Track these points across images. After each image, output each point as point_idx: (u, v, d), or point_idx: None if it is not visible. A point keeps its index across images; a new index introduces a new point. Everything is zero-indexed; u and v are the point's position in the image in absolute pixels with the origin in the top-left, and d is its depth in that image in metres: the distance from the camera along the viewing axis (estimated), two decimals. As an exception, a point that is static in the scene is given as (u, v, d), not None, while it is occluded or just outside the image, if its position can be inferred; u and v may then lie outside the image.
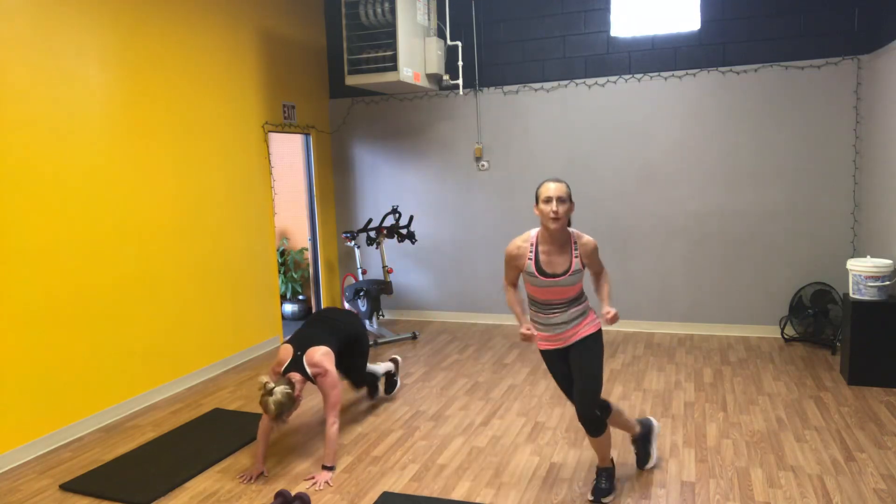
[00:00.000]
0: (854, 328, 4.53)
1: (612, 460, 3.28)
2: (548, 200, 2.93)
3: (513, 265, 3.11)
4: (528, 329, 3.01)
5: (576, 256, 3.02)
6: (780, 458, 3.52)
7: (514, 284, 3.21)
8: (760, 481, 3.30)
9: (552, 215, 2.92)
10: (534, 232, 3.09)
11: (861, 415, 4.05)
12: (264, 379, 3.35)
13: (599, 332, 3.13)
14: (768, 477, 3.34)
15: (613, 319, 2.94)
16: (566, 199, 2.95)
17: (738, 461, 3.52)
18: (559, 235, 3.01)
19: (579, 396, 3.05)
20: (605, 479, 3.21)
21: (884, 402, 4.25)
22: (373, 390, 4.58)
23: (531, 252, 3.04)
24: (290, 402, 3.36)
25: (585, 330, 3.10)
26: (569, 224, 3.11)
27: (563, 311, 3.08)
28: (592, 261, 3.09)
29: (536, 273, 3.02)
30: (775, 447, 3.66)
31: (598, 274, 3.19)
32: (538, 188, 2.99)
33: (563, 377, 3.18)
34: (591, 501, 3.16)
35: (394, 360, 4.65)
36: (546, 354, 3.20)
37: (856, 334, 4.53)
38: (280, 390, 3.31)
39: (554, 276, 3.01)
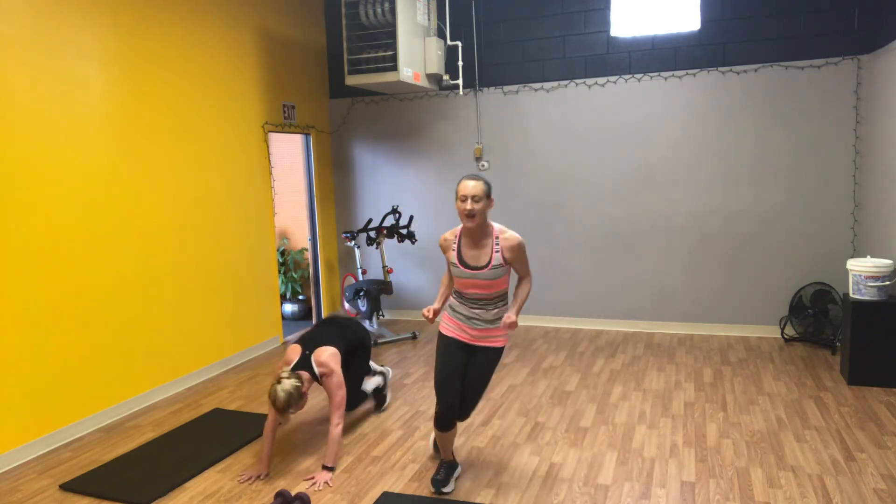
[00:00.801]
0: (854, 328, 4.53)
1: (452, 454, 3.45)
2: (463, 199, 3.06)
3: (445, 255, 3.29)
4: (429, 311, 3.09)
5: (496, 251, 3.13)
6: (780, 458, 3.52)
7: (451, 275, 3.35)
8: (760, 481, 3.30)
9: (466, 213, 3.06)
10: (461, 226, 3.22)
11: (861, 415, 4.05)
12: (284, 371, 3.41)
13: (503, 349, 3.30)
14: (768, 477, 3.34)
15: (511, 326, 3.03)
16: (482, 198, 3.06)
17: (738, 461, 3.52)
18: (478, 230, 3.14)
19: (466, 398, 3.25)
20: (443, 471, 3.36)
21: (884, 402, 4.25)
22: (379, 402, 4.47)
23: (455, 244, 3.20)
24: (299, 395, 3.37)
25: (495, 341, 3.27)
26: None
27: (487, 309, 3.21)
28: (516, 258, 3.17)
29: (458, 264, 3.18)
30: (775, 447, 3.66)
31: (521, 278, 3.27)
32: (457, 185, 3.11)
33: (454, 366, 3.22)
34: (433, 493, 3.30)
35: (382, 374, 4.47)
36: (447, 339, 3.28)
37: (856, 334, 4.53)
38: (290, 382, 3.35)
39: (475, 268, 3.14)
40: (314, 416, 4.38)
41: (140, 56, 4.63)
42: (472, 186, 3.05)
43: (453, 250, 3.20)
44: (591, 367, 5.18)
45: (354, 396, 4.14)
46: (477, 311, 3.22)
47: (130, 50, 4.56)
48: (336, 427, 3.51)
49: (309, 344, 3.66)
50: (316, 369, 3.56)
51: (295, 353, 3.63)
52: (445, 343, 3.28)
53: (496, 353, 3.29)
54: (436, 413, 3.24)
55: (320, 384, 3.60)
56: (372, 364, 4.38)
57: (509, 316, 3.05)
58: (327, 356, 3.58)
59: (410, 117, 6.75)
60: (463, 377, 3.25)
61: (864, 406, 4.19)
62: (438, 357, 3.27)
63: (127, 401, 4.54)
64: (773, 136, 5.63)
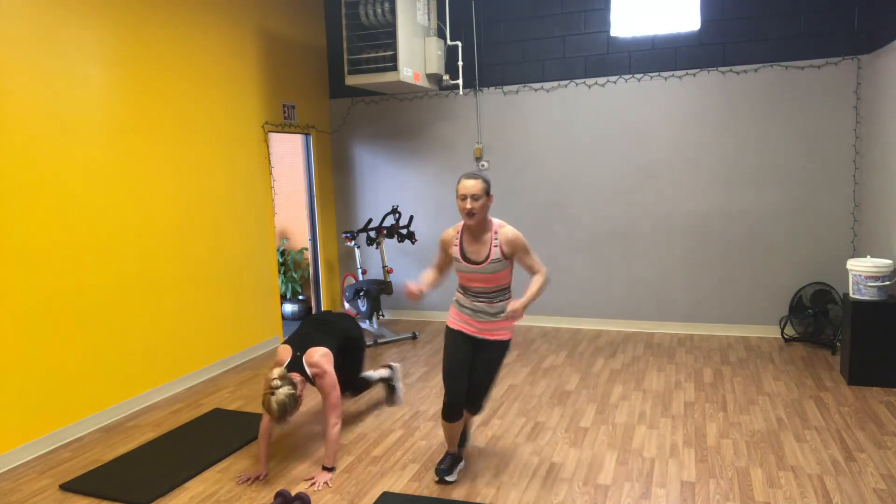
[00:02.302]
0: (854, 328, 4.53)
1: (458, 447, 3.53)
2: (462, 198, 3.15)
3: (444, 249, 3.36)
4: (416, 286, 3.19)
5: (495, 246, 3.21)
6: (780, 458, 3.52)
7: (438, 268, 3.44)
8: (760, 481, 3.30)
9: (466, 211, 3.15)
10: (462, 222, 3.32)
11: (861, 415, 4.05)
12: (275, 373, 3.31)
13: (509, 341, 3.37)
14: (768, 477, 3.34)
15: (513, 312, 3.06)
16: (480, 196, 3.14)
17: (738, 461, 3.52)
18: (478, 227, 3.23)
19: (473, 392, 3.35)
20: (448, 462, 3.45)
21: (884, 402, 4.25)
22: (389, 396, 4.47)
23: (457, 240, 3.30)
24: (294, 402, 3.32)
25: (500, 334, 3.33)
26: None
27: (490, 302, 3.29)
28: (515, 251, 3.22)
29: (461, 259, 3.27)
30: (775, 447, 3.66)
31: (532, 274, 3.28)
32: (458, 182, 3.19)
33: (461, 359, 3.30)
34: (436, 481, 3.39)
35: (389, 367, 4.47)
36: (453, 332, 3.36)
37: (856, 334, 4.53)
38: (284, 392, 3.28)
39: (475, 262, 3.23)
40: (313, 418, 4.38)
41: (140, 56, 4.63)
42: (470, 185, 3.14)
43: (455, 245, 3.29)
44: (591, 367, 5.18)
45: (355, 383, 4.14)
46: (480, 304, 3.30)
47: (130, 50, 4.56)
48: (333, 427, 3.50)
49: (300, 344, 3.61)
50: (308, 370, 3.52)
51: (286, 353, 3.57)
52: (452, 336, 3.36)
53: (502, 346, 3.35)
54: (443, 404, 3.32)
55: (314, 385, 3.57)
56: (371, 375, 4.32)
57: (512, 304, 3.08)
58: (319, 357, 3.53)
59: (410, 117, 6.75)
60: (469, 369, 3.33)
61: (864, 406, 4.19)
62: (446, 350, 3.36)
63: (127, 401, 4.54)
64: (773, 136, 5.64)
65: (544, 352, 5.63)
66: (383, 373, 4.38)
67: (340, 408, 3.54)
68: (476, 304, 3.30)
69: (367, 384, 4.25)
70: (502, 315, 3.29)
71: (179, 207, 4.98)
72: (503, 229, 3.23)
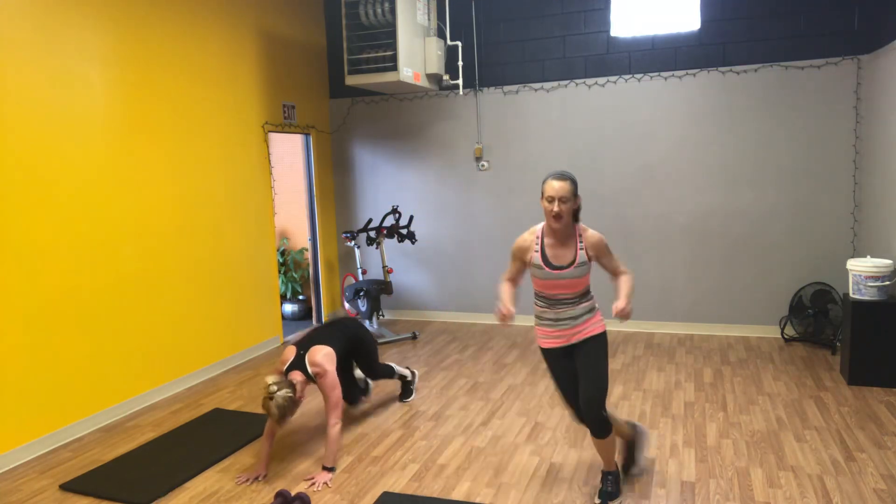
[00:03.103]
0: (854, 328, 4.53)
1: (616, 464, 3.26)
2: (550, 200, 2.96)
3: (519, 257, 3.15)
4: (507, 309, 3.02)
5: (580, 249, 3.04)
6: (780, 458, 3.52)
7: (513, 280, 3.23)
8: (760, 481, 3.30)
9: (553, 214, 2.96)
10: (539, 226, 3.13)
11: (861, 415, 4.05)
12: (270, 379, 3.36)
13: (605, 333, 3.13)
14: (768, 477, 3.34)
15: (621, 313, 2.89)
16: (568, 198, 2.95)
17: (738, 461, 3.52)
18: (563, 230, 3.04)
19: (586, 398, 3.03)
20: (611, 482, 3.17)
21: (884, 402, 4.25)
22: (405, 392, 4.58)
23: (537, 245, 3.08)
24: (292, 404, 3.38)
25: (591, 329, 3.10)
26: (577, 218, 3.09)
27: (573, 305, 3.08)
28: (600, 254, 3.07)
29: (543, 265, 3.05)
30: (775, 447, 3.66)
31: (616, 275, 3.14)
32: (543, 183, 3.01)
33: (567, 376, 3.14)
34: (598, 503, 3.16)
35: (411, 370, 4.62)
36: (549, 353, 3.17)
37: (856, 334, 4.53)
38: (281, 394, 3.33)
39: (560, 267, 3.03)
40: (314, 418, 4.38)
41: (140, 56, 4.63)
42: (558, 187, 2.94)
43: (536, 251, 3.08)
44: (591, 367, 5.17)
45: (374, 371, 4.20)
46: (563, 310, 3.09)
47: (130, 50, 4.56)
48: (334, 427, 3.51)
49: (304, 344, 3.67)
50: (309, 369, 3.54)
51: (290, 353, 3.64)
52: (550, 357, 3.18)
53: (599, 339, 3.10)
54: (587, 428, 3.12)
55: (315, 384, 3.59)
56: (395, 366, 4.43)
57: (618, 304, 2.90)
58: (321, 356, 3.57)
59: (410, 117, 6.75)
60: (577, 378, 3.14)
61: (864, 406, 4.19)
62: (552, 374, 3.20)
63: (127, 401, 4.54)
64: (773, 136, 5.64)
65: (544, 352, 5.63)
66: (406, 372, 4.52)
67: (341, 408, 3.56)
68: (560, 312, 3.09)
69: (391, 372, 4.34)
70: (591, 314, 3.11)
71: (179, 207, 4.98)
72: (587, 232, 3.06)
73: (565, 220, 2.98)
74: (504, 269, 6.56)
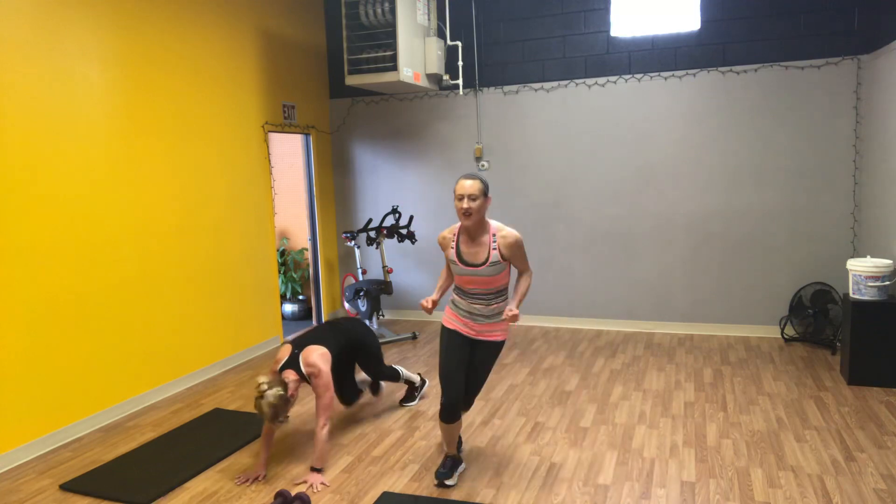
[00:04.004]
0: (854, 328, 4.53)
1: (457, 449, 3.53)
2: (460, 198, 3.13)
3: (444, 252, 3.38)
4: (428, 301, 3.21)
5: (494, 248, 3.19)
6: (780, 458, 3.52)
7: (449, 270, 3.46)
8: (760, 481, 3.30)
9: (463, 212, 3.14)
10: (459, 223, 3.30)
11: (861, 415, 4.05)
12: (261, 379, 3.36)
13: (504, 342, 3.41)
14: (768, 477, 3.34)
15: (513, 318, 3.10)
16: (478, 196, 3.13)
17: (738, 461, 3.52)
18: (475, 229, 3.21)
19: (469, 392, 3.41)
20: (449, 464, 3.43)
21: (884, 402, 4.25)
22: (375, 387, 4.46)
23: (454, 242, 3.28)
24: (284, 403, 3.36)
25: (496, 335, 3.36)
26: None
27: (486, 304, 3.29)
28: (514, 255, 3.24)
29: (458, 261, 3.26)
30: (775, 447, 3.66)
31: (521, 273, 3.34)
32: (455, 184, 3.18)
33: (458, 359, 3.32)
34: (435, 485, 3.37)
35: (422, 378, 4.62)
36: (449, 332, 3.36)
37: (856, 334, 4.53)
38: (272, 393, 3.31)
39: (473, 265, 3.22)
40: (314, 419, 4.38)
41: (140, 56, 4.63)
42: (468, 186, 3.13)
43: (452, 248, 3.28)
44: (591, 367, 5.18)
45: (379, 372, 4.18)
46: (477, 305, 3.30)
47: (130, 50, 4.56)
48: (322, 429, 3.50)
49: (299, 343, 3.66)
50: (303, 369, 3.53)
51: (285, 351, 3.62)
52: (448, 336, 3.36)
53: (496, 347, 3.39)
54: (441, 405, 3.31)
55: (309, 384, 3.58)
56: (404, 370, 4.42)
57: (510, 309, 3.13)
58: (316, 356, 3.55)
59: (410, 117, 6.75)
60: (466, 369, 3.35)
61: (864, 406, 4.19)
62: (442, 351, 3.37)
63: (127, 401, 4.54)
64: (773, 137, 5.64)
65: (544, 352, 5.63)
66: (415, 378, 4.51)
67: (331, 409, 3.55)
68: (473, 306, 3.30)
69: (396, 375, 4.33)
70: (500, 318, 3.31)
71: (179, 207, 4.98)
72: (502, 232, 3.21)
73: (475, 217, 3.14)
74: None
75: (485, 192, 3.16)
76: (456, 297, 3.38)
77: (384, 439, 3.98)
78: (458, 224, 3.30)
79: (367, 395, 4.57)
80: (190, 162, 5.07)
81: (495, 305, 3.30)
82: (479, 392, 3.48)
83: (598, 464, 3.55)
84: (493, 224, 3.25)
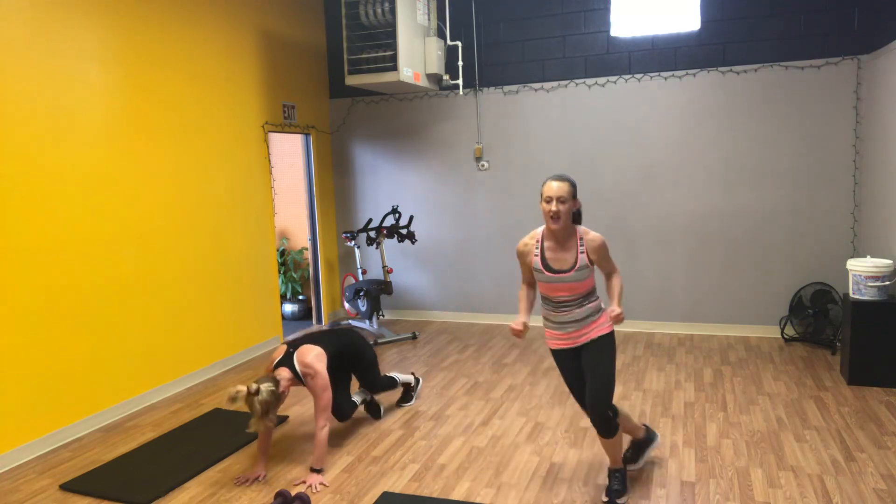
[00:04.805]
0: (854, 328, 4.53)
1: (623, 462, 3.27)
2: (548, 200, 2.95)
3: (523, 262, 3.16)
4: (518, 325, 3.05)
5: (581, 252, 3.02)
6: (780, 458, 3.52)
7: (528, 283, 3.25)
8: (760, 481, 3.30)
9: (551, 215, 2.96)
10: (540, 229, 3.12)
11: (861, 415, 4.05)
12: (235, 389, 3.27)
13: (612, 333, 3.11)
14: (768, 477, 3.34)
15: (617, 319, 2.93)
16: (567, 199, 2.95)
17: (738, 461, 3.52)
18: (562, 232, 3.02)
19: (592, 398, 3.04)
20: (617, 480, 3.18)
21: (884, 402, 4.25)
22: (374, 410, 4.34)
23: (537, 249, 3.08)
24: (276, 398, 3.34)
25: (598, 331, 3.08)
26: (579, 220, 3.09)
27: (575, 308, 3.07)
28: (601, 258, 3.06)
29: (543, 269, 3.05)
30: (775, 447, 3.66)
31: (609, 275, 3.14)
32: (542, 185, 3.01)
33: (575, 376, 3.16)
34: (605, 502, 3.15)
35: (415, 377, 4.60)
36: (557, 354, 3.18)
37: (856, 334, 4.53)
38: (265, 388, 3.29)
39: (560, 271, 3.02)
40: (314, 420, 4.37)
41: (140, 56, 4.63)
42: (557, 188, 2.94)
43: (536, 255, 3.08)
44: (591, 367, 5.17)
45: (375, 382, 4.13)
46: (566, 312, 3.08)
47: (130, 50, 4.56)
48: (322, 430, 3.49)
49: (295, 343, 3.66)
50: (299, 369, 3.52)
51: (280, 351, 3.62)
52: (558, 358, 3.20)
53: (606, 339, 3.09)
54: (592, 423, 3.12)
55: (304, 385, 3.56)
56: (398, 375, 4.40)
57: (613, 309, 2.94)
58: (312, 357, 3.53)
59: (410, 117, 6.75)
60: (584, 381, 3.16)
61: (864, 406, 4.19)
62: (562, 375, 3.22)
63: (127, 401, 4.54)
64: (773, 136, 5.64)
65: (544, 352, 5.63)
66: (409, 379, 4.49)
67: (330, 410, 3.54)
68: (563, 313, 3.08)
69: (393, 383, 4.30)
70: (597, 316, 3.10)
71: (179, 207, 4.98)
72: (589, 235, 3.03)
73: (563, 221, 2.96)
74: (503, 268, 6.57)
75: (574, 195, 2.97)
76: (546, 311, 3.16)
77: (384, 439, 3.98)
78: (539, 229, 3.11)
79: (362, 411, 4.50)
80: (190, 162, 5.07)
81: (587, 306, 3.07)
82: (611, 389, 3.04)
83: (598, 464, 3.55)
84: (580, 227, 3.06)
